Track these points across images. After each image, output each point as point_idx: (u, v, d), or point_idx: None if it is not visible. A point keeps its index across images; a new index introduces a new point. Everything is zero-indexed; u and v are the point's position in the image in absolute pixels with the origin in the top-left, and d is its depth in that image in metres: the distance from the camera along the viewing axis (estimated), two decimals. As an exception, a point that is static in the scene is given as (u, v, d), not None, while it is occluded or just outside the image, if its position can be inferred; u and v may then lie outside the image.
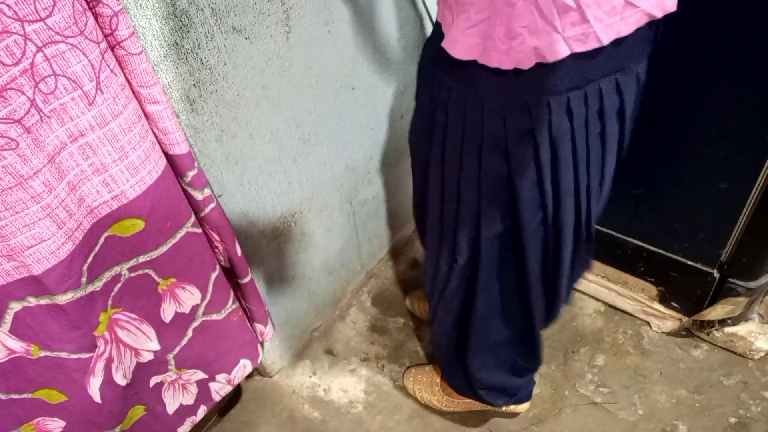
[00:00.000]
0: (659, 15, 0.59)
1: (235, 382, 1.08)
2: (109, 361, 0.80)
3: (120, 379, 0.82)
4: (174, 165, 0.76)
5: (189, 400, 1.02)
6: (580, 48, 0.58)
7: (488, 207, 0.76)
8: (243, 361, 1.07)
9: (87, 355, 0.76)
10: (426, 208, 0.89)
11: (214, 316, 0.95)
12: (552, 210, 0.74)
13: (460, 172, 0.75)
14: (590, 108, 0.65)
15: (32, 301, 0.68)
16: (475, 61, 0.63)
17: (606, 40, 0.57)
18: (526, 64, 0.60)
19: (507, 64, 0.61)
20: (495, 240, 0.79)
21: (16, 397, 0.76)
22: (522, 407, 1.18)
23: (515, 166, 0.70)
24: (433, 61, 0.73)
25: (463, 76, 0.65)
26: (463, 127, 0.70)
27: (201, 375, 1.01)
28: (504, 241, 0.79)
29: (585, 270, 0.95)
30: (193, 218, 0.81)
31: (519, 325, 0.93)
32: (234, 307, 0.99)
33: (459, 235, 0.81)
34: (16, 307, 0.68)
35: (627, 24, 0.58)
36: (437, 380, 1.23)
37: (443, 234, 0.84)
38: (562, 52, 0.58)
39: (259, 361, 1.11)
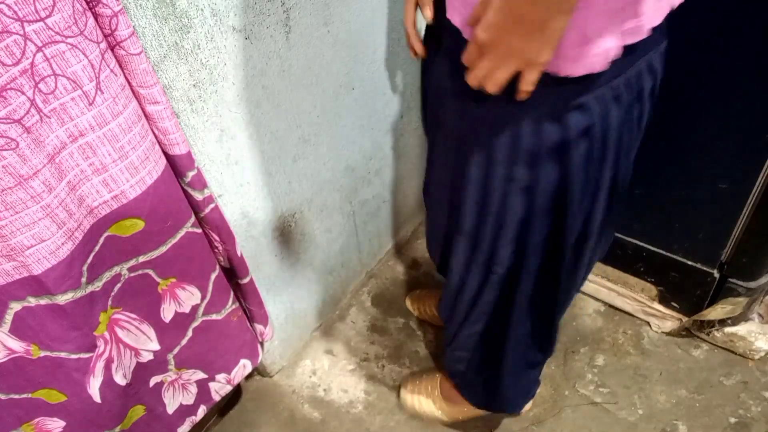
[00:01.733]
0: (677, 3, 0.59)
1: (235, 382, 1.08)
2: (109, 361, 0.80)
3: (120, 379, 0.82)
4: (174, 165, 0.76)
5: (189, 399, 1.02)
6: (632, 41, 0.57)
7: (540, 214, 0.72)
8: (243, 361, 1.07)
9: (87, 355, 0.76)
10: (447, 229, 0.85)
11: (214, 316, 0.95)
12: (591, 203, 0.73)
13: (509, 183, 0.70)
14: (632, 92, 0.64)
15: (32, 301, 0.68)
16: None
17: (650, 30, 0.57)
18: (600, 68, 0.57)
19: (578, 71, 0.58)
20: (540, 244, 0.77)
21: (16, 397, 0.76)
22: (525, 407, 1.18)
23: (573, 168, 0.67)
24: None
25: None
26: (518, 139, 0.66)
27: (201, 375, 1.01)
28: (546, 242, 0.77)
29: (605, 250, 0.93)
30: (193, 218, 0.81)
31: (543, 319, 0.92)
32: (234, 307, 0.99)
33: (500, 246, 0.77)
34: (16, 307, 0.68)
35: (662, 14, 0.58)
36: (437, 393, 1.21)
37: (477, 248, 0.80)
38: (619, 51, 0.57)
39: (259, 361, 1.11)
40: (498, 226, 0.76)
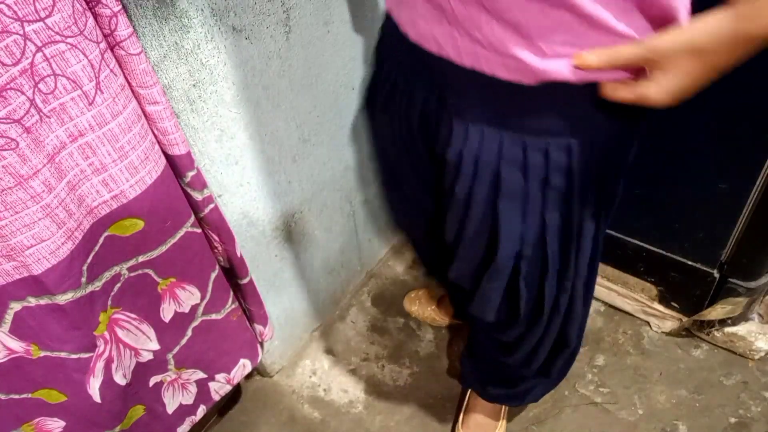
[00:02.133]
0: None
1: (235, 382, 1.08)
2: (108, 361, 0.80)
3: (120, 379, 0.82)
4: (174, 165, 0.76)
5: (188, 399, 1.02)
6: None
7: (606, 222, 0.73)
8: (242, 361, 1.07)
9: (87, 355, 0.76)
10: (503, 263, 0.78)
11: (214, 316, 0.95)
12: None
13: (586, 209, 0.69)
14: None
15: (32, 301, 0.68)
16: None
17: None
18: None
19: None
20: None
21: (16, 397, 0.76)
22: None
23: (622, 169, 0.68)
24: (532, 111, 0.59)
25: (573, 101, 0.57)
26: (587, 165, 0.63)
27: (200, 375, 1.01)
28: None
29: None
30: (192, 218, 0.81)
31: None
32: (233, 307, 0.99)
33: (572, 265, 0.76)
34: (16, 307, 0.68)
35: None
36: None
37: (553, 271, 0.76)
38: None
39: (258, 361, 1.11)
40: (577, 252, 0.73)
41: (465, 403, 1.22)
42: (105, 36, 0.62)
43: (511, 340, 0.90)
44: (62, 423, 0.81)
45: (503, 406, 1.19)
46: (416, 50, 0.63)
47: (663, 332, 1.33)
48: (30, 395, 0.77)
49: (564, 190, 0.65)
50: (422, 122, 0.71)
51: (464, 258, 0.78)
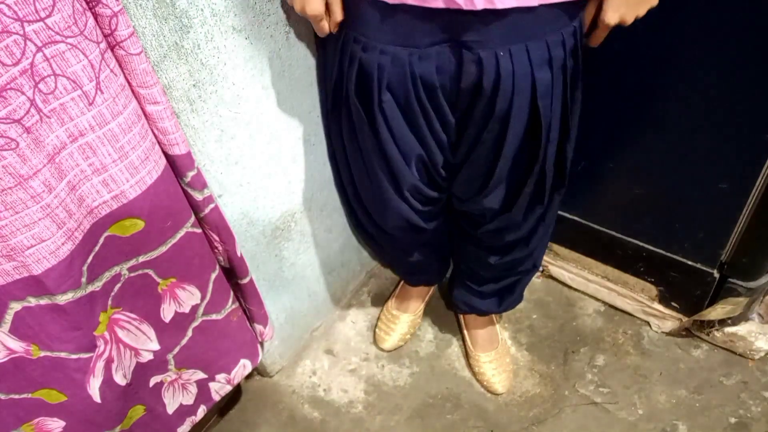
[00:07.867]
0: None
1: (235, 382, 1.08)
2: (108, 361, 0.80)
3: (120, 379, 0.83)
4: (174, 165, 0.76)
5: (189, 400, 1.02)
6: None
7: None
8: (243, 361, 1.07)
9: (87, 355, 0.76)
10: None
11: (214, 316, 0.95)
12: None
13: (573, 104, 0.82)
14: None
15: (32, 301, 0.68)
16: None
17: None
18: None
19: None
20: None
21: (16, 397, 0.76)
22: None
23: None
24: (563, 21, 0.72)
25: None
26: (581, 41, 0.77)
27: (201, 375, 1.01)
28: None
29: None
30: (192, 218, 0.81)
31: None
32: (234, 307, 0.99)
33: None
34: (16, 307, 0.68)
35: None
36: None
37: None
38: None
39: (258, 361, 1.11)
40: (570, 120, 0.84)
41: (464, 331, 1.34)
42: (105, 36, 0.62)
43: (513, 235, 0.99)
44: (62, 423, 0.81)
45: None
46: (417, 17, 0.69)
47: (663, 332, 1.33)
48: (30, 395, 0.77)
49: (572, 68, 0.77)
50: (427, 84, 0.76)
51: (504, 172, 0.85)
